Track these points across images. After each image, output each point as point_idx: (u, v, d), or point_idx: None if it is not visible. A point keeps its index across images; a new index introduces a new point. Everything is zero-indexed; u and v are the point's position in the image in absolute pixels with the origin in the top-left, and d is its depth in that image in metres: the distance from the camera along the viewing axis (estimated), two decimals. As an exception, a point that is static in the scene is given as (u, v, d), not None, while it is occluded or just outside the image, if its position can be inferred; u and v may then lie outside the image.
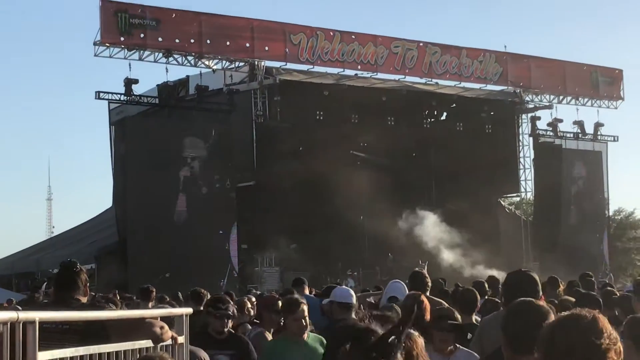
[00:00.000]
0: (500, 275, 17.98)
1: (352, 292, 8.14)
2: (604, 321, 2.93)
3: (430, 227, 36.66)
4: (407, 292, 8.43)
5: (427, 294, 8.41)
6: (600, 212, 43.06)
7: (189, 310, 6.07)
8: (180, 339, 5.50)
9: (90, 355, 4.53)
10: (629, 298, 9.22)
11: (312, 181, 34.37)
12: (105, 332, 5.04)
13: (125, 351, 4.90)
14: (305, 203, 34.06)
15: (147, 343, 5.07)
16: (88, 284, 5.80)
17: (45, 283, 27.12)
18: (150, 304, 11.88)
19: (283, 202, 32.50)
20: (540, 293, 5.70)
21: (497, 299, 9.43)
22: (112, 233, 32.81)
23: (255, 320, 9.58)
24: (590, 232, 41.43)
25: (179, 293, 13.89)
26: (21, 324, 3.87)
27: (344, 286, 10.34)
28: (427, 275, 9.24)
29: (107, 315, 5.23)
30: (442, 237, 37.06)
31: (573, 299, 9.18)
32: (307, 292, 12.25)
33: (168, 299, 12.85)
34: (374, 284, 23.33)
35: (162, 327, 5.16)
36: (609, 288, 11.90)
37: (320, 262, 32.64)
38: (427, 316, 6.76)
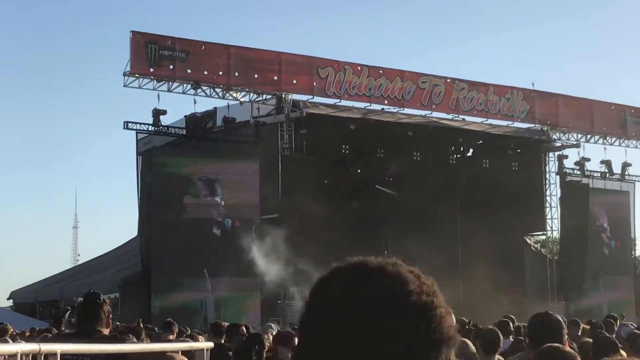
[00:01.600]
0: (522, 314, 17.80)
1: None
2: None
3: (454, 264, 36.52)
4: None
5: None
6: (628, 254, 42.67)
7: (210, 344, 6.06)
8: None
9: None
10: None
11: (337, 214, 34.32)
12: None
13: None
14: (330, 236, 33.98)
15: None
16: (111, 315, 5.81)
17: (69, 312, 27.19)
18: (171, 337, 11.87)
19: (307, 235, 32.44)
20: (565, 337, 5.64)
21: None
22: (136, 262, 32.87)
23: (268, 354, 9.50)
24: (616, 273, 41.08)
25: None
26: (43, 356, 3.88)
27: None
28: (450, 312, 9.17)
29: (128, 348, 5.23)
30: (467, 274, 36.88)
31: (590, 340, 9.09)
32: None
33: (189, 332, 12.84)
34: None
35: None
36: (636, 331, 11.80)
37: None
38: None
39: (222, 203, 32.08)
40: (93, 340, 5.30)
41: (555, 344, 4.18)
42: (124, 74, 31.05)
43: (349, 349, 1.53)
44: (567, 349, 4.24)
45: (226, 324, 10.90)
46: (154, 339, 12.48)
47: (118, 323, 16.22)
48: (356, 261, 1.65)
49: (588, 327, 12.69)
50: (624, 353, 5.78)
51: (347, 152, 36.63)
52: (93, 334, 5.45)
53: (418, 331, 1.55)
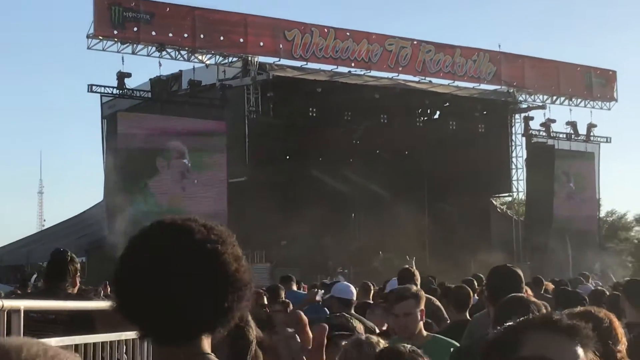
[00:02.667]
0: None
1: (353, 288, 8.17)
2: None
3: (421, 227, 36.72)
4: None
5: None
6: (592, 214, 43.07)
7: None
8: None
9: (76, 345, 4.48)
10: (617, 296, 9.23)
11: (304, 178, 34.36)
12: (91, 323, 5.00)
13: (111, 342, 4.85)
14: (296, 200, 34.04)
15: (133, 334, 5.02)
16: (79, 274, 5.76)
17: (35, 275, 27.04)
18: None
19: (274, 199, 32.42)
20: (524, 289, 5.62)
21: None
22: (102, 227, 32.70)
23: None
24: (581, 233, 41.50)
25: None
26: (6, 312, 3.83)
27: (345, 282, 10.36)
28: (416, 272, 9.21)
29: (92, 305, 5.19)
30: (432, 236, 37.12)
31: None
32: (294, 288, 12.33)
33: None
34: (365, 281, 23.28)
35: None
36: (599, 288, 11.97)
37: (311, 260, 32.58)
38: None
39: (190, 165, 31.98)
40: (58, 297, 5.26)
41: (519, 294, 4.16)
42: (88, 36, 30.72)
43: (145, 284, 1.88)
44: (531, 297, 4.25)
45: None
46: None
47: (83, 286, 16.11)
48: (159, 220, 1.99)
49: (552, 285, 12.79)
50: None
51: (314, 114, 36.53)
52: (59, 293, 5.41)
53: (201, 272, 1.88)
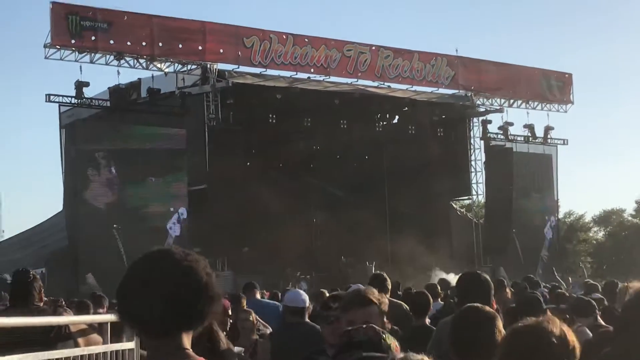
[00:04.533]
0: (452, 278, 18.09)
1: (305, 296, 8.10)
2: (556, 327, 3.01)
3: (381, 231, 36.87)
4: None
5: (388, 295, 8.42)
6: (547, 219, 43.42)
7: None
8: (131, 345, 5.48)
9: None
10: (579, 299, 9.38)
11: (264, 184, 34.34)
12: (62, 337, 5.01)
13: (74, 357, 4.86)
14: (257, 206, 34.04)
15: (101, 348, 5.04)
16: (42, 289, 5.78)
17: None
18: (101, 311, 11.78)
19: (235, 206, 32.39)
20: (492, 296, 5.72)
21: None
22: (62, 237, 32.47)
23: None
24: (540, 234, 41.90)
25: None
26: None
27: (296, 289, 10.27)
28: (387, 277, 9.27)
29: (57, 320, 5.20)
30: (393, 240, 37.26)
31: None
32: (257, 296, 12.23)
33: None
34: (328, 286, 23.34)
35: None
36: (559, 290, 12.12)
37: (273, 266, 32.61)
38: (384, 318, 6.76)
39: (153, 179, 31.83)
40: (30, 310, 5.29)
41: (475, 304, 4.24)
42: (45, 46, 30.48)
43: (140, 293, 2.52)
44: (487, 308, 4.30)
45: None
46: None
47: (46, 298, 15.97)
48: (153, 249, 2.66)
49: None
50: (549, 312, 5.91)
51: (274, 121, 36.56)
52: (27, 308, 5.43)
53: (180, 283, 2.52)
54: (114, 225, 30.12)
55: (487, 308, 4.33)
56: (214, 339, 4.91)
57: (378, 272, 9.77)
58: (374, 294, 4.74)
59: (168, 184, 32.04)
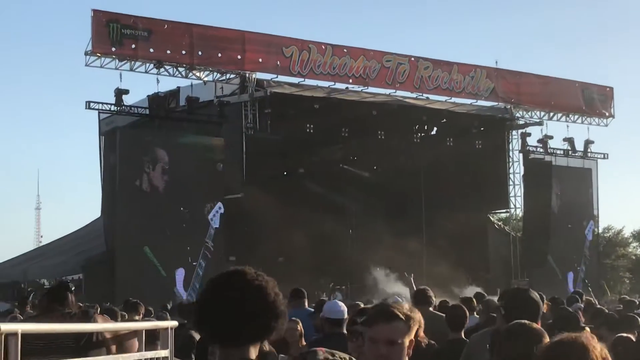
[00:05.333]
0: (488, 291, 17.92)
1: (344, 307, 8.00)
2: (592, 344, 3.03)
3: (418, 243, 36.71)
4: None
5: (431, 309, 8.35)
6: (589, 230, 43.05)
7: (175, 323, 6.02)
8: (165, 353, 5.45)
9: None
10: (613, 316, 9.23)
11: (301, 193, 34.33)
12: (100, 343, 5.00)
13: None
14: (293, 216, 34.01)
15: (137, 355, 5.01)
16: (74, 300, 5.79)
17: (33, 293, 26.97)
18: (137, 318, 11.80)
19: (271, 215, 32.42)
20: (540, 315, 5.61)
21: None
22: (100, 243, 32.65)
23: None
24: (578, 249, 41.50)
25: (168, 305, 13.80)
26: (3, 336, 3.81)
27: (335, 300, 10.16)
28: (429, 290, 9.19)
29: (91, 327, 5.17)
30: (429, 252, 37.07)
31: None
32: (306, 305, 11.54)
33: (153, 313, 12.77)
34: (363, 297, 23.32)
35: None
36: (597, 306, 11.94)
37: (308, 276, 32.55)
38: (420, 332, 6.68)
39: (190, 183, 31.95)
40: (62, 316, 5.29)
41: (524, 321, 4.18)
42: (86, 53, 30.73)
43: (217, 307, 2.85)
44: (535, 325, 4.24)
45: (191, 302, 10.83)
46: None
47: (80, 304, 16.05)
48: (230, 269, 2.98)
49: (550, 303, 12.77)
50: (588, 329, 5.81)
51: (311, 131, 36.57)
52: (59, 312, 5.42)
53: (251, 300, 2.84)
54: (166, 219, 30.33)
55: (536, 325, 4.27)
56: None
57: (422, 287, 9.62)
58: (402, 308, 4.20)
59: (205, 192, 32.10)
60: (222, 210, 31.87)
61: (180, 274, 30.54)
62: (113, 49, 30.90)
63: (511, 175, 41.88)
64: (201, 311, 2.92)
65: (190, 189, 31.12)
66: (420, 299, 8.78)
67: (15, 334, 3.89)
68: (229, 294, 2.86)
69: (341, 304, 8.24)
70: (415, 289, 10.09)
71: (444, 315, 8.68)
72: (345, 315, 7.74)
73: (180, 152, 31.48)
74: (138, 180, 30.73)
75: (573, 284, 37.91)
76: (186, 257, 30.82)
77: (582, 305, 12.99)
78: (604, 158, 43.60)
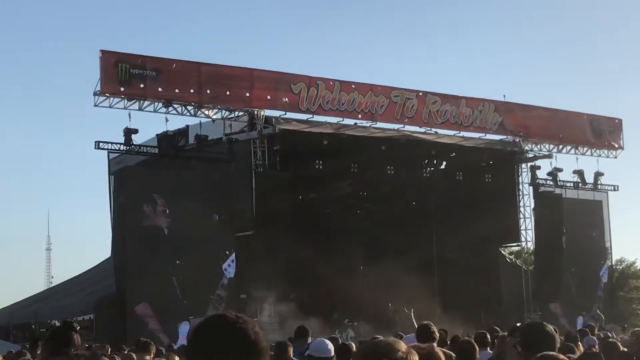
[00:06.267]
0: (501, 325, 17.77)
1: (330, 345, 7.98)
2: None
3: (430, 277, 36.51)
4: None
5: (435, 344, 8.25)
6: (602, 262, 42.83)
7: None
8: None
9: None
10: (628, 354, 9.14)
11: (311, 229, 34.28)
12: None
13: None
14: (305, 252, 33.93)
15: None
16: (80, 343, 5.75)
17: (44, 335, 26.87)
18: (148, 358, 11.76)
19: (281, 252, 32.36)
20: (557, 349, 5.57)
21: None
22: (110, 283, 32.62)
23: None
24: (591, 281, 41.23)
25: (173, 344, 13.73)
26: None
27: (322, 339, 10.00)
28: (432, 326, 9.10)
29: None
30: (441, 287, 36.89)
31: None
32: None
33: (164, 351, 12.71)
34: (375, 333, 23.14)
35: None
36: (610, 340, 11.83)
37: (320, 312, 32.41)
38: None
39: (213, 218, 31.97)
40: (69, 358, 5.25)
41: (552, 352, 4.18)
42: (95, 94, 30.88)
43: (200, 352, 2.99)
44: (562, 356, 4.24)
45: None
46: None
47: (88, 344, 16.03)
48: (211, 315, 3.08)
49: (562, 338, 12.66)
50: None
51: (320, 167, 36.58)
52: (69, 355, 5.39)
53: (233, 340, 2.95)
54: (174, 262, 30.29)
55: (562, 356, 4.27)
56: None
57: (425, 322, 9.51)
58: (394, 346, 3.52)
59: (218, 228, 32.09)
60: (234, 259, 31.92)
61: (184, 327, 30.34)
62: (122, 89, 31.06)
63: (522, 209, 41.74)
64: (191, 355, 3.08)
65: (201, 230, 31.10)
66: (422, 335, 8.66)
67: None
68: (213, 338, 3.04)
69: (328, 342, 8.21)
70: (416, 325, 9.97)
71: (451, 353, 8.59)
72: (332, 354, 7.72)
73: (189, 194, 31.48)
74: (147, 220, 30.77)
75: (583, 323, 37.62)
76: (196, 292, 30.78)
77: (596, 339, 12.91)
78: (614, 190, 43.51)
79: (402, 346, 3.60)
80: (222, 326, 3.05)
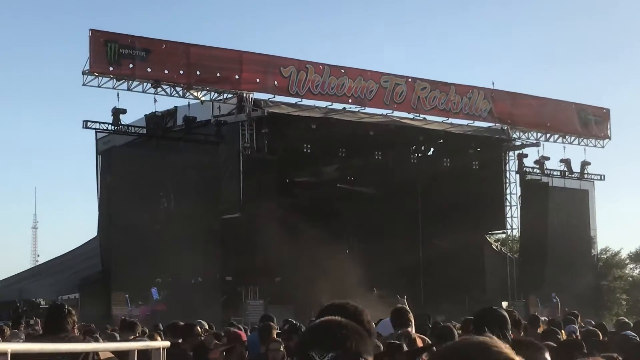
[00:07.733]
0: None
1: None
2: None
3: (415, 263, 36.61)
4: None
5: (411, 329, 8.28)
6: (587, 251, 43.04)
7: (166, 343, 6.01)
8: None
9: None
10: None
11: (298, 214, 34.29)
12: None
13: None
14: (290, 235, 33.98)
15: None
16: (77, 325, 5.78)
17: (27, 313, 26.92)
18: (132, 338, 11.79)
19: (268, 235, 32.37)
20: (509, 331, 5.67)
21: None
22: (96, 263, 32.61)
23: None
24: (575, 270, 41.39)
25: (160, 325, 13.76)
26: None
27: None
28: (409, 311, 9.10)
29: (82, 347, 5.17)
30: (426, 273, 37.01)
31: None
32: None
33: (148, 332, 12.74)
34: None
35: None
36: (590, 328, 11.93)
37: (305, 296, 32.48)
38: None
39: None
40: (60, 338, 5.29)
41: (473, 337, 4.23)
42: (83, 73, 30.80)
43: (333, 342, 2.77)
44: (481, 339, 4.22)
45: (182, 323, 10.86)
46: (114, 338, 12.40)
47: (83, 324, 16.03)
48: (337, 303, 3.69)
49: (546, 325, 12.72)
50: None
51: (308, 151, 36.58)
52: (59, 337, 5.43)
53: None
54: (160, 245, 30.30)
55: (481, 338, 4.30)
56: None
57: (400, 305, 9.46)
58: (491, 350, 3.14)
59: (202, 211, 32.07)
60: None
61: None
62: (111, 69, 30.97)
63: (508, 196, 41.88)
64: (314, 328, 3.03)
65: (189, 208, 31.13)
66: (397, 320, 8.59)
67: (5, 354, 3.89)
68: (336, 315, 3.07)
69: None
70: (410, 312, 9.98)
71: (424, 337, 8.63)
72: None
73: (178, 173, 31.49)
74: (134, 199, 30.74)
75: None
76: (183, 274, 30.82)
77: (577, 327, 12.99)
78: (600, 179, 43.67)
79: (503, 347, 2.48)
80: (343, 309, 3.58)
